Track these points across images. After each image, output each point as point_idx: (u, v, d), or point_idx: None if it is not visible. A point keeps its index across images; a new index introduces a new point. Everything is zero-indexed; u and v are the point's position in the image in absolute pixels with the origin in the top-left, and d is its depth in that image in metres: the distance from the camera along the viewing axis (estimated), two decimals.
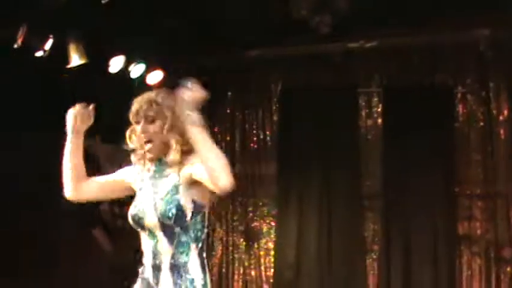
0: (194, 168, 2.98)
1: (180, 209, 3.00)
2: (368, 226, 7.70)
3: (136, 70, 7.30)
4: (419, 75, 7.56)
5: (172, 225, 3.00)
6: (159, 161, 3.13)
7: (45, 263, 7.17)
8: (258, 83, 8.21)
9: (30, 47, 6.23)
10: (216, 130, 8.33)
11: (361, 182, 7.74)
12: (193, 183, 3.02)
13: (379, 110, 7.74)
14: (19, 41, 6.05)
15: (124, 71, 7.17)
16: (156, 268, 3.06)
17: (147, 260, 3.10)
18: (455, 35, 7.20)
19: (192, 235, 3.06)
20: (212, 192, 3.01)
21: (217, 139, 8.30)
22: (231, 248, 8.17)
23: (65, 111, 3.34)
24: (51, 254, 7.33)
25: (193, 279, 3.03)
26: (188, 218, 3.03)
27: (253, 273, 8.11)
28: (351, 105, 7.79)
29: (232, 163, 8.23)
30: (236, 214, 8.21)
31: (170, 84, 3.34)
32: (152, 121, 3.09)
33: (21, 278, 6.81)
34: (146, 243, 3.09)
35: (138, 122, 3.12)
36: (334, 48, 7.58)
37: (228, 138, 8.28)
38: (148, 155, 3.14)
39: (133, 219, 3.12)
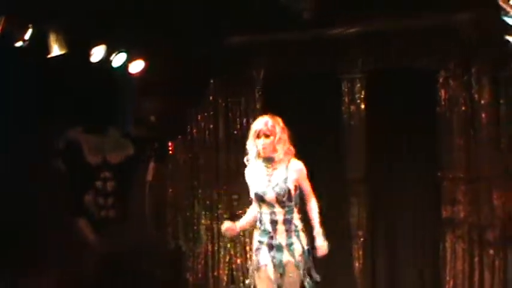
0: (304, 187, 5.10)
1: (288, 191, 4.96)
2: (353, 211, 7.72)
3: (117, 59, 7.25)
4: (402, 60, 7.56)
5: (285, 200, 4.96)
6: (268, 158, 5.01)
7: (32, 254, 7.14)
8: (241, 70, 8.17)
9: (10, 37, 6.18)
10: (199, 118, 8.30)
11: (345, 168, 7.75)
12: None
13: (362, 95, 7.74)
14: None
15: (105, 61, 7.13)
16: (274, 223, 4.99)
17: (266, 219, 5.01)
18: (438, 19, 7.21)
19: (294, 202, 5.03)
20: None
21: (201, 127, 8.29)
22: (216, 237, 8.16)
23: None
24: (38, 245, 7.31)
25: (296, 226, 5.04)
26: (292, 194, 4.99)
27: (239, 261, 8.11)
28: (334, 91, 7.79)
29: (216, 151, 8.25)
30: (221, 202, 8.20)
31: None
32: (267, 137, 4.96)
33: (10, 269, 6.81)
34: (265, 210, 5.02)
35: (258, 137, 4.97)
36: (316, 34, 7.57)
37: (211, 126, 8.26)
38: (263, 156, 5.02)
39: (256, 196, 5.00)
